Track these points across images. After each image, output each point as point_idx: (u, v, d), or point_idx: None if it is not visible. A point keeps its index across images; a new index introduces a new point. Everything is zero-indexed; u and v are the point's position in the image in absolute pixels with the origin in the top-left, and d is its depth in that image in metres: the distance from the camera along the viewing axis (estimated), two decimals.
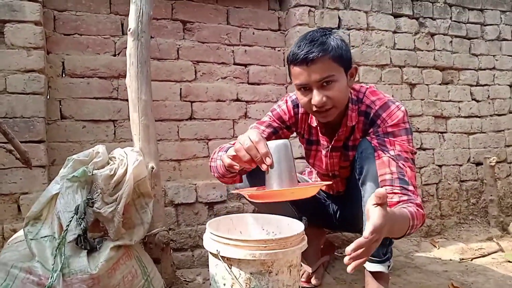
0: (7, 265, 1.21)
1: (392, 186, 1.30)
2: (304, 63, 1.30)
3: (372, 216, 0.95)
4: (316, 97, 1.32)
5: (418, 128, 2.57)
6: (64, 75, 1.94)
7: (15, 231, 1.57)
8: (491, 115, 2.81)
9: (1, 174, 1.68)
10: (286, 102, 1.61)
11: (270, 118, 1.61)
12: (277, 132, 1.60)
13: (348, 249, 0.93)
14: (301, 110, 1.58)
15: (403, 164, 1.33)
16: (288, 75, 1.42)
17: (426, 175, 2.54)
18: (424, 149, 2.57)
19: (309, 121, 1.58)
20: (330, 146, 1.56)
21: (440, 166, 2.60)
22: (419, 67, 2.60)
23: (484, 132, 2.77)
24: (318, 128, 1.56)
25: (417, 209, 1.23)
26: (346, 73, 1.37)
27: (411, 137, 1.40)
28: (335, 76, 1.32)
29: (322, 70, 1.30)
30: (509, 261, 1.97)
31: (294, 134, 1.69)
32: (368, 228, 0.94)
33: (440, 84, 2.67)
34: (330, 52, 1.30)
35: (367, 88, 1.51)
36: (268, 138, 1.56)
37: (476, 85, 2.78)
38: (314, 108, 1.36)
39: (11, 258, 1.23)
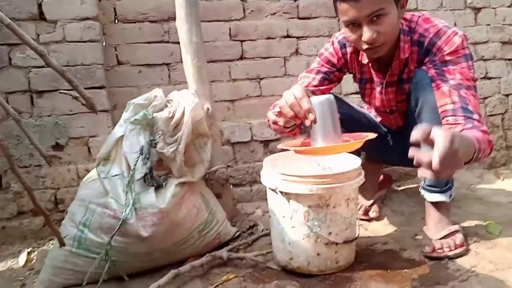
0: (85, 201, 1.33)
1: (455, 116, 1.24)
2: None
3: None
4: (367, 33, 1.25)
5: (483, 56, 2.40)
6: (117, 21, 1.97)
7: (88, 171, 1.70)
8: None
9: (70, 120, 1.79)
10: (333, 44, 1.55)
11: (318, 64, 1.57)
12: (329, 76, 1.56)
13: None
14: (349, 49, 1.53)
15: (465, 93, 1.26)
16: (334, 11, 1.35)
17: (491, 106, 2.41)
18: (490, 78, 2.42)
19: (359, 59, 1.52)
20: (384, 82, 1.50)
21: (507, 95, 2.44)
22: None
23: None
24: (370, 64, 1.50)
25: (482, 134, 1.16)
26: (396, 4, 1.28)
27: (471, 63, 1.31)
28: (386, 9, 1.24)
29: (372, 4, 1.22)
30: None
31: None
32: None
33: (509, 7, 2.44)
34: None
35: (420, 16, 1.41)
36: (320, 84, 1.54)
37: None
38: (365, 45, 1.30)
39: (88, 195, 1.34)
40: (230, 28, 2.12)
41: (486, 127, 1.24)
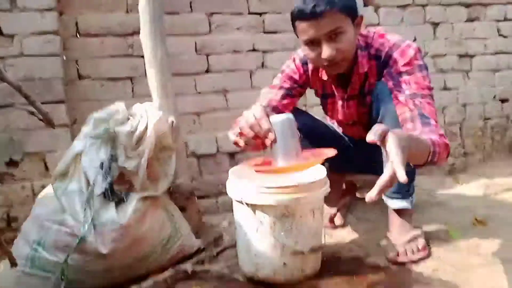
0: (40, 219, 1.27)
1: (413, 122, 1.27)
2: (311, 18, 1.25)
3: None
4: (326, 50, 1.29)
5: (442, 68, 2.49)
6: (78, 35, 1.94)
7: (44, 187, 1.62)
8: None
9: (27, 135, 1.74)
10: (294, 61, 1.58)
11: (280, 80, 1.59)
12: (291, 92, 1.58)
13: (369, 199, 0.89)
14: (310, 66, 1.55)
15: (420, 102, 1.30)
16: (294, 31, 1.39)
17: (449, 115, 2.49)
18: (448, 89, 2.50)
19: (320, 76, 1.55)
20: (346, 97, 1.54)
21: (464, 105, 2.54)
22: (442, 4, 2.48)
23: (511, 69, 2.66)
24: (330, 81, 1.54)
25: (439, 138, 1.20)
26: (352, 22, 1.33)
27: (426, 72, 1.36)
28: (343, 27, 1.28)
29: (331, 23, 1.26)
30: None
31: None
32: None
33: (465, 22, 2.54)
34: (337, 4, 1.25)
35: (375, 32, 1.46)
36: (283, 99, 1.56)
37: (503, 20, 2.64)
38: (325, 62, 1.33)
39: (43, 212, 1.29)
40: (196, 43, 2.12)
41: (442, 131, 1.27)
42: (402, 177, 0.82)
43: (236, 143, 1.24)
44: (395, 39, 1.40)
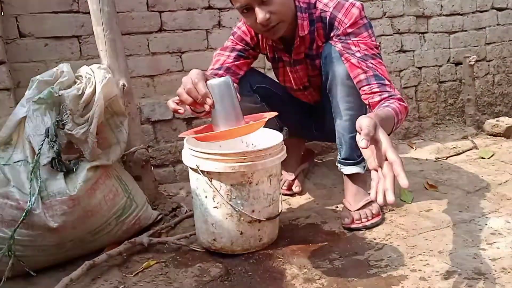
0: None
1: (369, 84, 1.31)
2: None
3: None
4: (260, 14, 1.27)
5: (399, 30, 2.49)
6: None
7: None
8: (473, 12, 2.71)
9: None
10: (245, 22, 1.53)
11: (232, 42, 1.55)
12: (244, 53, 1.54)
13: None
14: None
15: (372, 63, 1.33)
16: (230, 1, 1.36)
17: (405, 78, 2.52)
18: (404, 51, 2.52)
19: (265, 40, 1.53)
20: (291, 61, 1.52)
21: (420, 68, 2.57)
22: None
23: (465, 31, 2.70)
24: (275, 45, 1.52)
25: (399, 104, 1.24)
26: None
27: (371, 31, 1.38)
28: None
29: None
30: (482, 158, 2.04)
31: None
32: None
33: None
34: None
35: None
36: (236, 60, 1.52)
37: None
38: (262, 28, 1.32)
39: None
40: None
41: (398, 92, 1.32)
42: (405, 182, 0.83)
43: (175, 111, 1.19)
44: None
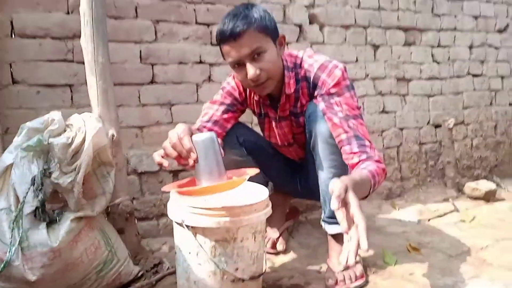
0: None
1: (350, 145, 1.34)
2: (231, 39, 1.30)
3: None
4: (251, 70, 1.33)
5: (381, 91, 2.59)
6: (13, 36, 1.80)
7: None
8: (450, 77, 2.87)
9: None
10: (234, 78, 1.60)
11: (221, 96, 1.61)
12: (232, 108, 1.59)
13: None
14: None
15: (353, 123, 1.36)
16: (222, 56, 1.43)
17: (388, 139, 2.60)
18: (387, 112, 2.61)
19: (253, 96, 1.59)
20: (277, 117, 1.57)
21: (401, 129, 2.66)
22: (383, 27, 2.59)
23: (444, 95, 2.84)
24: (262, 101, 1.57)
25: (377, 166, 1.26)
26: (274, 42, 1.38)
27: (353, 92, 1.43)
28: (264, 47, 1.33)
29: (250, 43, 1.31)
30: (463, 221, 2.08)
31: None
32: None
33: (403, 46, 2.68)
34: (254, 23, 1.31)
35: (304, 52, 1.52)
36: (224, 113, 1.57)
37: (437, 46, 2.81)
38: (251, 83, 1.37)
39: None
40: (141, 51, 2.05)
41: (377, 153, 1.34)
42: (365, 246, 0.88)
43: (160, 164, 1.22)
44: (322, 59, 1.46)
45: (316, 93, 1.45)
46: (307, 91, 1.49)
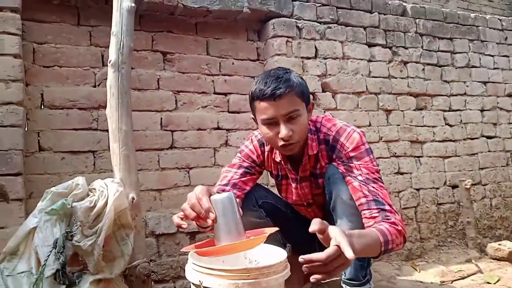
0: None
1: (370, 209, 1.34)
2: (271, 98, 1.35)
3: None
4: (284, 130, 1.37)
5: (395, 153, 2.63)
6: (43, 107, 1.93)
7: None
8: (464, 139, 2.90)
9: None
10: (252, 141, 1.65)
11: (240, 159, 1.64)
12: (250, 170, 1.62)
13: (300, 259, 1.02)
14: (266, 148, 1.62)
15: (373, 187, 1.37)
16: (251, 111, 1.49)
17: (404, 199, 2.59)
18: (402, 173, 2.62)
19: (273, 157, 1.62)
20: (298, 178, 1.60)
21: (417, 189, 2.65)
22: (394, 93, 2.68)
23: (459, 156, 2.85)
24: (283, 162, 1.60)
25: (389, 226, 1.25)
26: (306, 108, 1.44)
27: (372, 156, 1.45)
28: (300, 110, 1.39)
29: (289, 105, 1.36)
30: (488, 283, 2.00)
31: None
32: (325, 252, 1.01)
33: (414, 110, 2.75)
34: (295, 88, 1.37)
35: (323, 117, 1.58)
36: (242, 176, 1.59)
37: (449, 110, 2.88)
38: (281, 142, 1.40)
39: None
40: (161, 118, 2.16)
41: (398, 216, 1.33)
42: (350, 254, 0.93)
43: (179, 225, 1.22)
44: (340, 123, 1.51)
45: (334, 156, 1.49)
46: (326, 154, 1.53)
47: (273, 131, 1.40)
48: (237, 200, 1.25)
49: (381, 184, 1.40)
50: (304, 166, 1.56)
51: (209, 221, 1.15)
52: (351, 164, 1.43)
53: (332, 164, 1.49)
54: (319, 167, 1.56)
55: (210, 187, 1.29)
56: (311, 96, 1.51)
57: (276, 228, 1.29)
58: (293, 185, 1.64)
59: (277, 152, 1.57)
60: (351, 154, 1.44)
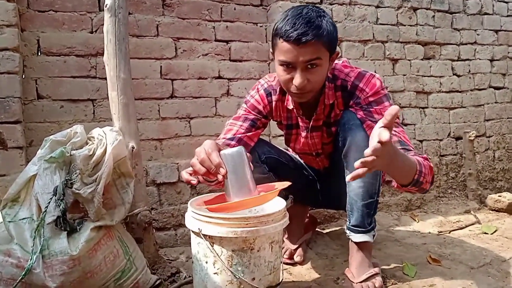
0: None
1: None
2: (296, 43, 1.27)
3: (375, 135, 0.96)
4: (299, 78, 1.31)
5: (400, 104, 2.58)
6: (39, 54, 1.88)
7: None
8: (471, 90, 2.84)
9: None
10: (258, 91, 1.59)
11: (245, 111, 1.59)
12: (255, 123, 1.58)
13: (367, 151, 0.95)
14: (274, 97, 1.57)
15: (395, 131, 1.33)
16: (271, 45, 1.41)
17: None
18: (406, 125, 2.59)
19: (285, 104, 1.57)
20: (310, 127, 1.56)
21: (421, 141, 2.63)
22: (401, 42, 2.59)
23: (465, 107, 2.80)
24: (295, 110, 1.55)
25: (424, 160, 1.23)
26: (329, 57, 1.37)
27: (391, 102, 1.42)
28: (321, 60, 1.32)
29: (312, 53, 1.29)
30: (485, 233, 2.03)
31: None
32: (371, 145, 0.96)
33: (422, 60, 2.67)
34: (324, 38, 1.29)
35: (339, 63, 1.51)
36: (248, 131, 1.55)
37: (457, 60, 2.79)
38: (294, 89, 1.35)
39: None
40: (161, 66, 2.11)
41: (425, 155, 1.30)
42: (386, 136, 0.91)
43: (188, 181, 1.21)
44: (358, 69, 1.46)
45: (352, 101, 1.45)
46: (342, 101, 1.48)
47: (288, 75, 1.34)
48: (248, 154, 1.22)
49: (402, 129, 1.38)
50: (318, 115, 1.52)
51: (220, 177, 1.13)
52: (371, 109, 1.40)
53: (349, 110, 1.45)
54: (333, 115, 1.52)
55: (218, 142, 1.26)
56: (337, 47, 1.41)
57: (288, 183, 1.27)
58: (303, 134, 1.60)
59: (290, 99, 1.52)
60: (371, 99, 1.40)
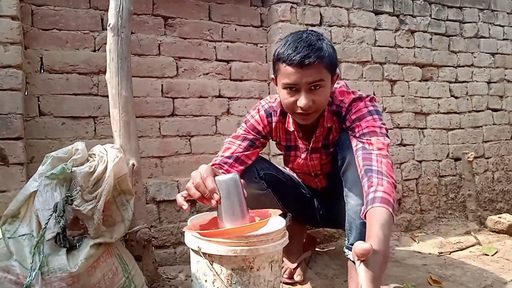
0: None
1: (363, 177, 1.30)
2: (299, 65, 1.31)
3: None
4: (304, 100, 1.34)
5: (399, 124, 2.60)
6: (42, 71, 1.90)
7: None
8: (469, 111, 2.86)
9: None
10: (259, 111, 1.60)
11: (245, 130, 1.60)
12: (254, 143, 1.59)
13: None
14: (275, 119, 1.59)
15: (367, 140, 1.35)
16: (273, 70, 1.43)
17: (406, 171, 2.58)
18: (405, 145, 2.61)
19: (286, 126, 1.58)
20: (309, 149, 1.58)
21: (420, 161, 2.64)
22: (399, 63, 2.63)
23: (463, 128, 2.82)
24: (295, 132, 1.57)
25: (390, 186, 1.22)
26: (331, 79, 1.40)
27: (376, 116, 1.42)
28: (324, 81, 1.35)
29: (315, 75, 1.32)
30: (486, 254, 2.02)
31: None
32: None
33: (420, 81, 2.70)
34: (326, 59, 1.33)
35: (336, 88, 1.54)
36: (246, 150, 1.56)
37: (455, 82, 2.83)
38: (298, 110, 1.38)
39: None
40: (162, 85, 2.13)
41: (392, 175, 1.27)
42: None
43: (180, 206, 1.23)
44: (352, 95, 1.48)
45: (344, 126, 1.48)
46: (338, 126, 1.52)
47: (292, 97, 1.37)
48: (242, 181, 1.23)
49: (378, 137, 1.36)
50: (317, 137, 1.54)
51: (213, 202, 1.15)
52: (353, 125, 1.43)
53: (344, 130, 1.49)
54: (331, 137, 1.54)
55: (215, 168, 1.27)
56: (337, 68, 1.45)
57: (280, 211, 1.30)
58: (303, 155, 1.62)
59: (291, 121, 1.54)
60: (353, 117, 1.43)
